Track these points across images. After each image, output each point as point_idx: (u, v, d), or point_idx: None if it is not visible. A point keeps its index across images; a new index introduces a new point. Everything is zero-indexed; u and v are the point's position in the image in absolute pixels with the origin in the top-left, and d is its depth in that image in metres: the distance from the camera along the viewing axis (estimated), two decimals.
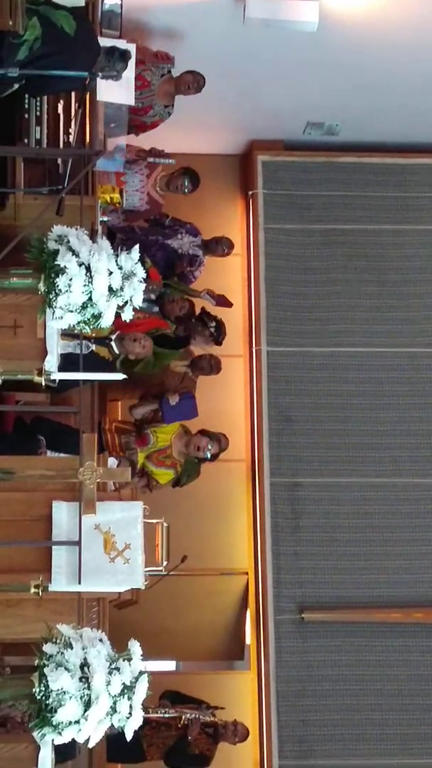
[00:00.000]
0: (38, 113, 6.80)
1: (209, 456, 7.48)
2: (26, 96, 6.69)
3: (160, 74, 7.53)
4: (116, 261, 5.58)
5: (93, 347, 6.75)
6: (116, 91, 6.85)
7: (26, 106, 6.77)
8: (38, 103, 6.78)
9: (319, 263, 8.92)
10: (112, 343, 6.96)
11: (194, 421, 7.76)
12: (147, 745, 7.59)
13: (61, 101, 6.82)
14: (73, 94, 6.81)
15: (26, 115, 6.76)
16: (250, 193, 9.08)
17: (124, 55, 6.18)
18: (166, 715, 7.65)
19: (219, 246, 8.15)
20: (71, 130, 6.69)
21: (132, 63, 6.68)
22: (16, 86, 6.17)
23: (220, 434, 7.63)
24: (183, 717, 7.64)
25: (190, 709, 7.74)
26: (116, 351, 7.09)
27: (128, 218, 7.78)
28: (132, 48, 6.67)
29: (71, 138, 6.62)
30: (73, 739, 5.07)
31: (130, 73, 6.79)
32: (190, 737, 7.61)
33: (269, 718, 8.20)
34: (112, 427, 7.52)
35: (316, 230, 8.97)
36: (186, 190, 7.79)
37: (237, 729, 7.75)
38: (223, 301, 8.17)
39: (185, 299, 7.77)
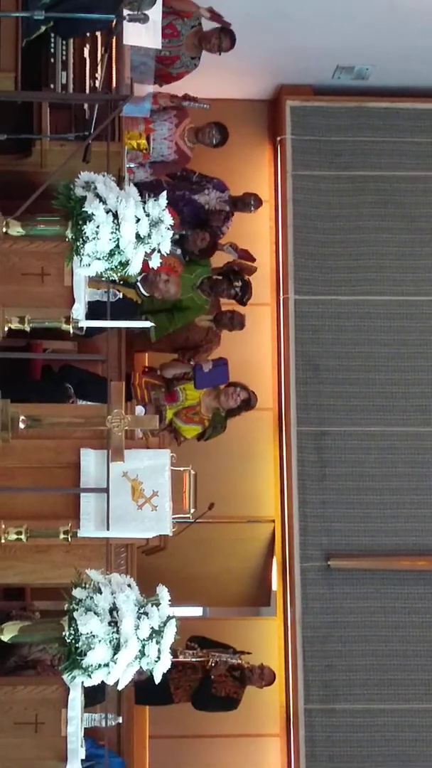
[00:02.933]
0: (64, 58, 6.73)
1: (239, 402, 7.48)
2: (52, 40, 6.62)
3: (191, 26, 7.41)
4: (144, 208, 5.53)
5: (120, 295, 6.74)
6: (143, 34, 6.74)
7: (52, 50, 6.70)
8: (64, 48, 6.71)
9: (347, 210, 8.81)
10: (139, 284, 6.93)
11: None
12: (174, 687, 7.71)
13: (87, 45, 6.74)
14: (99, 38, 6.72)
15: (52, 60, 6.70)
16: (279, 139, 8.96)
17: None
18: (194, 659, 7.75)
19: (246, 202, 8.07)
20: (98, 75, 6.62)
21: (159, 4, 6.56)
22: (43, 29, 6.11)
23: (250, 390, 7.65)
24: (210, 659, 7.75)
25: (217, 652, 7.84)
26: (144, 292, 7.07)
27: (155, 170, 7.71)
28: None
29: (98, 83, 6.55)
30: (101, 683, 5.15)
31: (156, 16, 6.67)
32: (213, 676, 7.72)
33: (295, 662, 8.30)
34: (142, 382, 7.55)
35: (345, 177, 8.85)
36: (214, 140, 7.70)
37: (264, 673, 7.86)
38: (245, 255, 8.11)
39: (205, 231, 7.71)
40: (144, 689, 6.98)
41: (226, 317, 7.83)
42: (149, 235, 5.52)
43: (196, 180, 7.99)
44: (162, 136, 7.55)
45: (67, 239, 5.58)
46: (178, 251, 7.55)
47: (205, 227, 7.81)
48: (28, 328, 5.75)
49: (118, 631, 4.99)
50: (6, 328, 5.72)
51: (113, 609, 5.03)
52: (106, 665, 5.04)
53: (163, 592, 5.18)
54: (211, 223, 7.90)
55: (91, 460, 5.74)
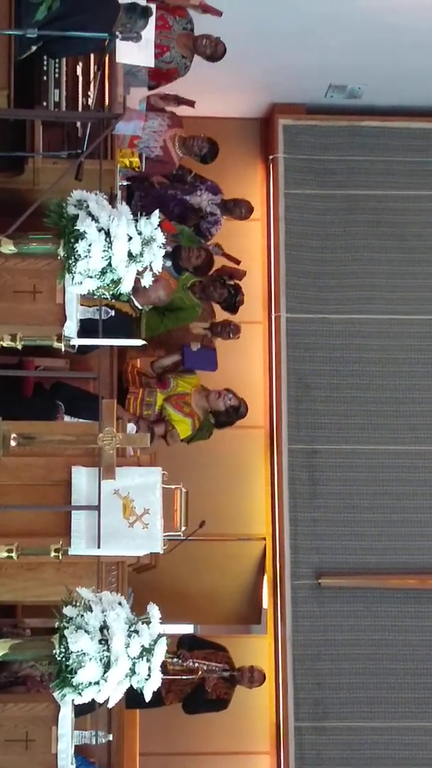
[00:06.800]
0: (57, 75, 6.75)
1: (229, 405, 7.47)
2: (45, 58, 6.64)
3: (182, 26, 7.42)
4: (136, 226, 5.55)
5: (112, 312, 6.76)
6: (135, 52, 6.77)
7: (45, 68, 6.72)
8: (57, 66, 6.74)
9: (339, 229, 8.85)
10: (132, 297, 6.95)
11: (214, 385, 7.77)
12: (165, 691, 7.66)
13: (80, 63, 6.77)
14: (92, 56, 6.75)
15: (45, 78, 6.72)
16: (271, 157, 9.01)
17: (145, 12, 6.11)
18: (183, 667, 7.70)
19: (237, 207, 8.07)
20: (90, 93, 6.64)
21: (152, 23, 6.60)
22: (34, 48, 6.13)
23: (241, 398, 7.65)
24: (200, 670, 7.72)
25: (207, 658, 7.79)
26: (137, 305, 7.08)
27: (146, 169, 7.67)
28: (152, 6, 6.58)
29: (90, 101, 6.57)
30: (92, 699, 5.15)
31: (149, 34, 6.70)
32: (208, 689, 7.71)
33: (285, 680, 8.29)
34: (134, 369, 7.55)
35: (337, 196, 8.89)
36: (201, 150, 7.65)
37: (254, 675, 7.83)
38: (229, 256, 8.10)
39: (201, 249, 7.73)
40: (134, 693, 6.96)
41: (221, 326, 7.84)
42: (141, 253, 5.55)
43: (190, 180, 7.97)
44: (152, 128, 7.50)
45: (59, 257, 5.60)
46: (168, 263, 7.55)
47: (192, 224, 7.80)
48: (19, 346, 5.75)
49: (108, 649, 5.00)
50: None
51: (104, 627, 5.03)
52: (97, 683, 5.04)
53: (154, 610, 5.18)
54: (201, 225, 7.90)
55: (82, 478, 5.74)
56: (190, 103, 7.69)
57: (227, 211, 8.06)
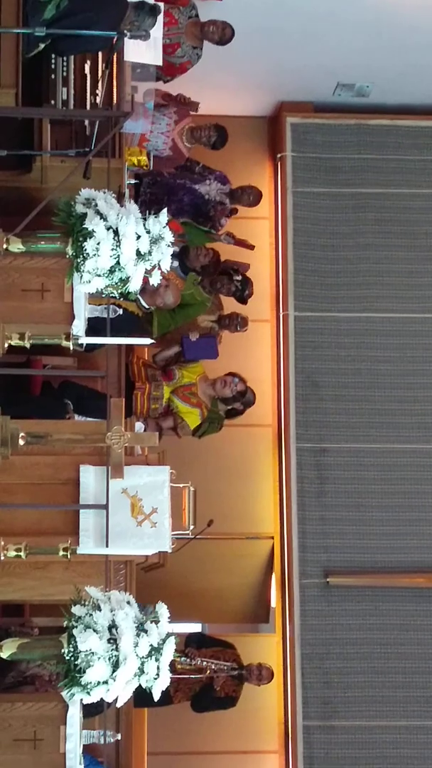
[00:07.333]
0: (65, 74, 6.76)
1: (236, 391, 7.46)
2: (53, 56, 6.65)
3: (188, 15, 7.40)
4: (144, 225, 5.55)
5: (120, 311, 6.75)
6: (144, 51, 6.77)
7: (53, 66, 6.73)
8: (65, 64, 6.74)
9: (347, 227, 8.84)
10: (139, 297, 6.95)
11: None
12: (174, 690, 7.65)
13: (88, 62, 6.77)
14: (100, 54, 6.75)
15: (53, 76, 6.73)
16: (279, 156, 8.99)
17: (154, 10, 6.11)
18: (191, 666, 7.70)
19: (245, 194, 8.03)
20: (98, 91, 6.64)
21: (160, 22, 6.59)
22: (42, 46, 6.13)
23: (248, 385, 7.64)
24: (208, 669, 7.72)
25: (215, 656, 7.79)
26: (144, 305, 7.08)
27: (154, 164, 7.68)
28: (161, 5, 6.57)
29: (98, 99, 6.57)
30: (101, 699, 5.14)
31: (157, 32, 6.70)
32: (216, 687, 7.71)
33: (294, 679, 8.28)
34: (139, 361, 7.55)
35: (345, 194, 8.88)
36: (210, 139, 7.63)
37: (262, 672, 7.83)
38: (242, 243, 8.08)
39: (209, 247, 7.70)
40: (143, 691, 6.96)
41: (228, 318, 7.84)
42: (150, 252, 5.55)
43: (198, 171, 7.96)
44: (159, 130, 7.49)
45: (67, 256, 5.60)
46: (176, 263, 7.54)
47: (205, 217, 7.79)
48: (28, 345, 5.75)
49: (117, 649, 4.99)
50: (6, 345, 5.72)
51: (112, 626, 5.03)
52: (105, 682, 5.03)
53: (162, 610, 5.17)
54: (212, 213, 7.88)
55: (90, 477, 5.75)
56: (194, 105, 7.67)
57: (235, 200, 8.04)
